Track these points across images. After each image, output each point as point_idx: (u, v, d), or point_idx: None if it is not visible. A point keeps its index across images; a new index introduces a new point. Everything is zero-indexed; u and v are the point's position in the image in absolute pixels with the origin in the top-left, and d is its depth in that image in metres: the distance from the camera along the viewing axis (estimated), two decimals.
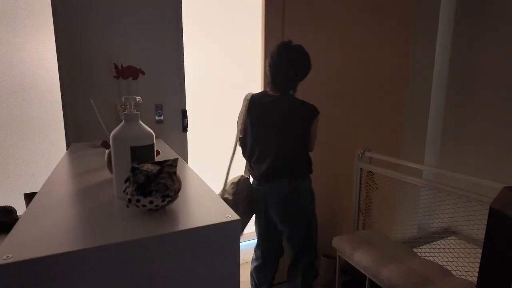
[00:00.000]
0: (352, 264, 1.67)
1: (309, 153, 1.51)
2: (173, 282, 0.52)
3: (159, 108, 1.59)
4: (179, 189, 0.61)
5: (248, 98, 1.48)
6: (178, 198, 0.63)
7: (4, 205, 1.51)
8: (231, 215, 0.57)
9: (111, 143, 0.65)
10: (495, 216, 1.16)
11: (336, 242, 1.76)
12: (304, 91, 1.54)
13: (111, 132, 0.67)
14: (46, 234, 0.50)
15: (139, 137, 0.65)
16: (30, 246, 0.45)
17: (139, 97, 0.68)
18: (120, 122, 0.67)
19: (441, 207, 1.66)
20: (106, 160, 0.78)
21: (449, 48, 2.48)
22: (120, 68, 1.47)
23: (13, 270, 0.41)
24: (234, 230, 0.56)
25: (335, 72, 2.05)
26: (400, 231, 2.05)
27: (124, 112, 0.65)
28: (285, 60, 1.39)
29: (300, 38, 1.52)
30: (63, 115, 1.41)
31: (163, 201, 0.57)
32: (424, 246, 1.83)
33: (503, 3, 2.26)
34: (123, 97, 0.67)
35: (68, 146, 1.42)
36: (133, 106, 0.67)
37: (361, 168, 2.03)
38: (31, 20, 1.51)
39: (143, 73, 1.52)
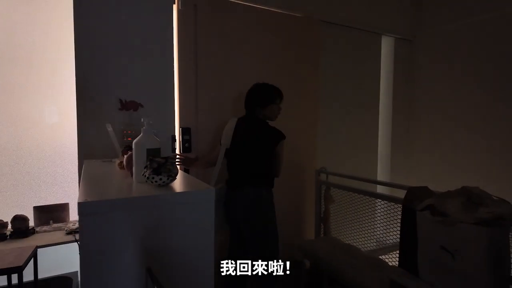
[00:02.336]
0: (313, 262, 2.03)
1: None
2: (172, 221, 0.90)
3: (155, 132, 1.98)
4: (177, 173, 1.00)
5: (235, 119, 1.86)
6: (176, 179, 1.02)
7: (19, 214, 1.83)
8: (207, 188, 0.97)
9: (133, 147, 1.05)
10: (405, 209, 1.60)
11: (301, 245, 2.13)
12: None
13: (120, 149, 1.06)
14: (100, 192, 0.88)
15: (151, 143, 1.05)
16: (94, 196, 0.84)
17: (148, 120, 1.09)
18: (124, 143, 1.07)
19: (395, 220, 1.97)
20: (126, 161, 1.16)
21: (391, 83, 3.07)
22: (124, 102, 1.88)
23: (88, 205, 0.79)
24: (208, 194, 0.95)
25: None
26: (360, 242, 2.39)
27: (143, 128, 1.06)
28: (248, 94, 1.88)
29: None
30: (78, 139, 1.78)
31: (167, 179, 0.96)
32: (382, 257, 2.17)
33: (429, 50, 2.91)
34: (142, 118, 1.08)
35: (79, 163, 1.78)
36: (146, 124, 1.08)
37: (320, 184, 2.46)
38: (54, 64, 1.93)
39: (142, 106, 1.93)
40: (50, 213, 2.00)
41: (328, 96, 2.70)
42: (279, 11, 2.40)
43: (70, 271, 2.06)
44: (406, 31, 3.09)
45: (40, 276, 1.80)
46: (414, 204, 1.52)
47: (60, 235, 1.85)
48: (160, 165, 0.96)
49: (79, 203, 0.78)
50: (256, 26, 2.31)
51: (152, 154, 1.03)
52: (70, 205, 2.09)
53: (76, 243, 1.90)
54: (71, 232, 1.87)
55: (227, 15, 2.19)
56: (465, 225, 1.25)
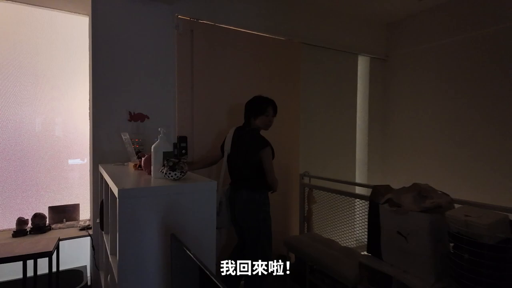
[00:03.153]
0: (298, 255, 2.32)
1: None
2: (184, 204, 1.19)
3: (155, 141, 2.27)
4: (187, 171, 1.30)
5: (234, 128, 2.12)
6: (186, 175, 1.32)
7: (39, 212, 2.07)
8: (209, 181, 1.27)
9: (152, 150, 1.34)
10: (371, 204, 1.91)
11: (287, 240, 2.42)
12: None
13: (132, 154, 1.35)
14: (129, 183, 1.17)
15: (166, 147, 1.34)
16: (128, 185, 1.12)
17: (163, 129, 1.38)
18: (131, 149, 1.36)
19: None
20: (144, 162, 1.45)
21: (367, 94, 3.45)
22: (132, 114, 2.17)
23: (126, 192, 1.08)
24: (210, 185, 1.25)
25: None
26: (339, 237, 2.70)
27: (160, 135, 1.35)
28: (245, 105, 2.12)
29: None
30: (92, 146, 2.05)
31: (180, 174, 1.26)
32: None
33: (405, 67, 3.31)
34: (159, 129, 1.37)
35: (93, 167, 2.04)
36: (162, 133, 1.37)
37: (303, 186, 2.77)
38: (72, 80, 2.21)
39: (148, 117, 2.22)
40: (64, 213, 2.24)
41: (309, 108, 3.05)
42: (265, 35, 2.75)
43: (80, 265, 2.29)
44: (380, 51, 3.50)
45: (53, 270, 2.02)
46: (378, 199, 1.84)
47: (74, 231, 2.09)
48: (175, 164, 1.25)
49: (119, 190, 1.07)
50: (244, 48, 2.64)
51: (167, 156, 1.32)
52: (80, 206, 2.34)
53: (87, 239, 2.16)
54: (84, 228, 2.11)
55: (219, 39, 2.52)
56: (413, 213, 1.58)
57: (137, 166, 1.63)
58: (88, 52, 2.26)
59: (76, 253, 2.32)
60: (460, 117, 2.88)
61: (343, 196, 2.44)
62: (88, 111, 2.24)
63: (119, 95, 2.13)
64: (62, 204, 2.28)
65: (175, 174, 1.25)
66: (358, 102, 3.43)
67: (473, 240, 1.31)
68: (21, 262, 1.61)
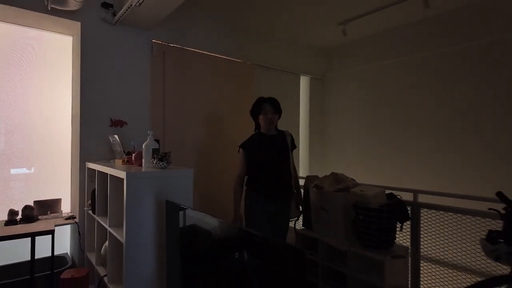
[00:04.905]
0: None
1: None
2: (170, 186, 1.70)
3: (134, 143, 2.69)
4: (171, 162, 1.81)
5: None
6: (170, 164, 1.82)
7: (28, 204, 2.38)
8: (187, 169, 1.79)
9: (143, 147, 1.82)
10: (305, 189, 2.54)
11: None
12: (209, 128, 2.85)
13: (121, 152, 1.83)
14: (129, 171, 1.65)
15: (154, 145, 1.84)
16: (130, 172, 1.61)
17: (151, 133, 1.87)
18: (119, 149, 1.85)
19: None
20: (135, 157, 1.91)
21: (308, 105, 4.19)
22: (113, 120, 2.59)
23: (131, 175, 1.56)
24: (188, 172, 1.78)
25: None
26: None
27: (149, 135, 1.84)
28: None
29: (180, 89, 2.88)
30: (80, 147, 2.42)
31: (167, 164, 1.77)
32: None
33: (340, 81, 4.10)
34: (148, 131, 1.86)
35: (81, 164, 2.41)
36: (151, 136, 1.86)
37: None
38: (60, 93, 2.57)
39: (126, 123, 2.65)
40: (48, 206, 2.55)
41: None
42: (224, 57, 3.33)
43: (62, 252, 2.60)
44: (318, 72, 4.28)
45: (37, 256, 2.33)
46: (309, 185, 2.49)
47: (60, 220, 2.43)
48: (162, 156, 1.76)
49: (127, 173, 1.55)
50: (207, 67, 3.20)
51: (155, 151, 1.82)
52: (62, 201, 2.66)
53: (65, 231, 2.50)
54: (69, 218, 2.46)
55: (186, 59, 3.05)
56: (331, 192, 2.24)
57: (125, 161, 2.08)
58: (71, 67, 2.63)
59: (57, 241, 2.63)
60: (381, 125, 3.73)
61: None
62: (71, 118, 2.62)
63: (103, 105, 2.54)
64: (46, 198, 2.59)
65: (163, 164, 1.75)
66: (301, 114, 4.15)
67: (365, 206, 1.99)
68: (9, 248, 1.93)
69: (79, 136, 2.43)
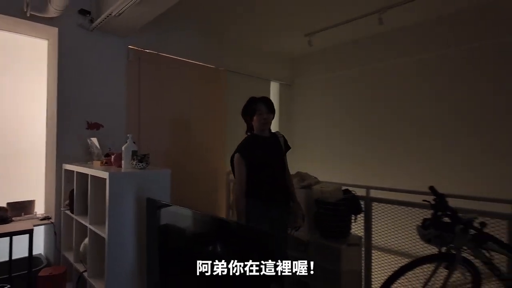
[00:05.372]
0: None
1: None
2: (149, 184, 1.86)
3: (110, 145, 2.78)
4: (149, 163, 1.96)
5: None
6: (149, 165, 1.98)
7: (2, 206, 2.42)
8: (165, 169, 1.96)
9: (123, 149, 1.96)
10: None
11: None
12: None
13: (99, 154, 1.98)
14: (110, 171, 1.79)
15: (133, 148, 1.98)
16: (112, 172, 1.75)
17: (130, 136, 2.01)
18: (98, 151, 2.00)
19: None
20: (114, 159, 2.04)
21: None
22: (90, 123, 2.67)
23: (113, 175, 1.71)
24: (165, 172, 1.94)
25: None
26: None
27: (128, 138, 1.98)
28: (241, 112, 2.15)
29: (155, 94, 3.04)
30: (56, 149, 2.49)
31: (146, 165, 1.92)
32: None
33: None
34: (128, 135, 2.00)
35: (56, 167, 2.48)
36: (130, 139, 2.00)
37: (229, 182, 3.56)
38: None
39: (102, 126, 2.74)
40: (21, 208, 2.58)
41: (233, 121, 3.87)
42: (197, 62, 3.50)
43: (35, 253, 2.63)
44: (287, 79, 4.56)
45: (13, 257, 2.36)
46: None
47: (35, 221, 2.47)
48: (142, 158, 1.91)
49: (109, 173, 1.69)
50: (181, 72, 3.35)
51: (134, 153, 1.96)
52: (35, 202, 2.69)
53: (41, 229, 2.56)
54: (44, 218, 2.51)
55: (161, 65, 3.18)
56: (296, 189, 2.49)
57: (104, 162, 2.19)
58: (45, 69, 2.68)
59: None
60: (342, 129, 4.07)
61: None
62: (46, 120, 2.67)
63: (79, 108, 2.62)
64: (20, 200, 2.61)
65: (143, 165, 1.90)
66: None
67: (324, 200, 2.26)
68: None
69: (56, 139, 2.50)
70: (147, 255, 1.84)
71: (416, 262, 1.78)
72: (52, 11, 2.16)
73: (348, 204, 2.24)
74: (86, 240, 2.09)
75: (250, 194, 1.94)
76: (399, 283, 1.84)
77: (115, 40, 2.82)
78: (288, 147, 2.18)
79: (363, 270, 2.35)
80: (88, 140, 2.38)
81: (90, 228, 1.94)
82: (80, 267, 2.12)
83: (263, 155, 1.98)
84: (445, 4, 2.98)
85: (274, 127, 4.45)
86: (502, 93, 2.82)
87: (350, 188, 2.37)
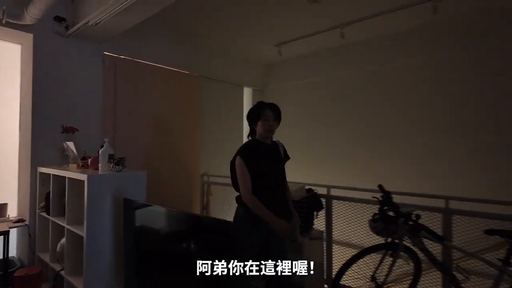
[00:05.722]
0: None
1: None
2: (125, 185, 1.99)
3: (85, 149, 2.85)
4: (125, 166, 2.09)
5: None
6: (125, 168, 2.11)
7: None
8: (141, 171, 2.10)
9: (100, 153, 2.07)
10: None
11: None
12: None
13: (75, 159, 2.09)
14: (88, 173, 1.91)
15: (110, 151, 2.10)
16: (90, 174, 1.87)
17: (107, 140, 2.12)
18: (74, 154, 2.11)
19: None
20: (91, 161, 2.14)
21: None
22: (65, 127, 2.73)
23: (92, 177, 1.83)
24: (141, 174, 2.08)
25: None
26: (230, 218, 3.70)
27: (105, 142, 2.10)
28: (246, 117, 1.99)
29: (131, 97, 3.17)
30: (31, 154, 2.53)
31: (122, 167, 2.05)
32: None
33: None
34: (105, 139, 2.11)
35: (31, 170, 2.53)
36: (107, 143, 2.11)
37: (203, 183, 3.71)
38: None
39: (78, 130, 2.81)
40: None
41: (208, 125, 4.04)
42: (172, 68, 3.63)
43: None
44: (259, 84, 4.78)
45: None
46: None
47: (10, 224, 2.50)
48: (119, 161, 2.04)
49: (88, 176, 1.81)
50: (157, 77, 3.47)
51: (111, 157, 2.08)
52: (8, 205, 2.71)
53: (13, 232, 2.59)
54: (18, 221, 2.55)
55: (136, 70, 3.29)
56: None
57: (81, 165, 2.29)
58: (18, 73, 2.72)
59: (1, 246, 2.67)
60: (311, 132, 4.34)
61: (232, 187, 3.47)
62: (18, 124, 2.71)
63: (54, 113, 2.68)
64: None
65: (119, 167, 2.03)
66: (244, 121, 4.59)
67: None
68: None
69: (31, 143, 2.54)
70: (124, 252, 1.97)
71: (366, 251, 2.04)
72: (28, 19, 2.23)
73: (310, 201, 2.47)
74: (63, 240, 2.17)
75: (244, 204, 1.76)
76: (353, 270, 2.09)
77: (91, 46, 2.91)
78: (287, 157, 2.07)
79: (325, 262, 2.59)
80: (64, 144, 2.45)
81: (67, 228, 2.03)
82: (57, 267, 2.20)
83: (266, 161, 1.88)
84: (396, 21, 3.32)
85: (247, 130, 4.67)
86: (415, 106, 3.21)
87: (313, 187, 2.61)
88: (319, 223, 2.61)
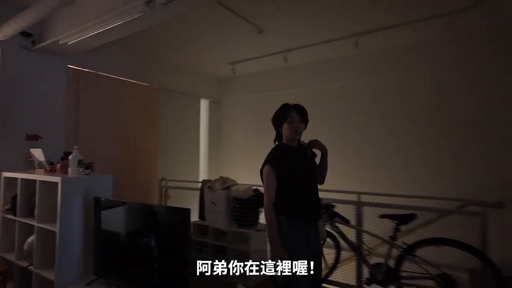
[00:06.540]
0: None
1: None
2: (93, 187, 2.29)
3: (48, 155, 3.03)
4: (93, 170, 2.39)
5: None
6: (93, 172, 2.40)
7: None
8: (107, 175, 2.41)
9: (71, 158, 2.34)
10: (201, 191, 3.36)
11: None
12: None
13: (44, 163, 2.37)
14: (59, 176, 2.19)
15: (79, 157, 2.38)
16: (61, 177, 2.16)
17: (77, 147, 2.40)
18: (43, 159, 2.39)
19: None
20: (61, 166, 2.40)
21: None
22: (29, 135, 2.91)
23: (65, 180, 2.12)
24: (107, 177, 2.40)
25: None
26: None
27: (74, 149, 2.37)
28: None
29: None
30: None
31: (91, 171, 2.35)
32: None
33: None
34: (74, 146, 2.39)
35: None
36: (76, 149, 2.39)
37: (161, 187, 4.02)
38: None
39: (41, 137, 2.99)
40: None
41: (166, 135, 4.37)
42: (132, 81, 3.93)
43: None
44: (215, 97, 5.22)
45: None
46: (204, 187, 3.33)
47: None
48: (88, 165, 2.33)
49: (62, 178, 2.09)
50: (118, 89, 3.75)
51: (80, 162, 2.36)
52: None
53: None
54: None
55: (99, 82, 3.55)
56: (219, 190, 3.12)
57: (48, 170, 2.52)
58: None
59: None
60: (260, 140, 4.85)
61: (190, 191, 3.83)
62: None
63: (19, 121, 2.85)
64: None
65: (88, 171, 2.32)
66: (201, 131, 5.00)
67: (239, 198, 2.94)
68: None
69: None
70: (95, 244, 2.25)
71: None
72: (0, 36, 2.43)
73: (256, 199, 2.95)
74: (30, 239, 2.38)
75: (284, 211, 1.73)
76: None
77: (56, 59, 3.12)
78: (314, 155, 1.97)
79: (267, 250, 3.06)
80: (31, 151, 2.65)
81: (38, 226, 2.26)
82: (23, 264, 2.39)
83: (298, 167, 1.81)
84: (329, 50, 3.99)
85: (204, 139, 5.06)
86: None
87: (259, 188, 3.09)
88: (263, 217, 3.09)
